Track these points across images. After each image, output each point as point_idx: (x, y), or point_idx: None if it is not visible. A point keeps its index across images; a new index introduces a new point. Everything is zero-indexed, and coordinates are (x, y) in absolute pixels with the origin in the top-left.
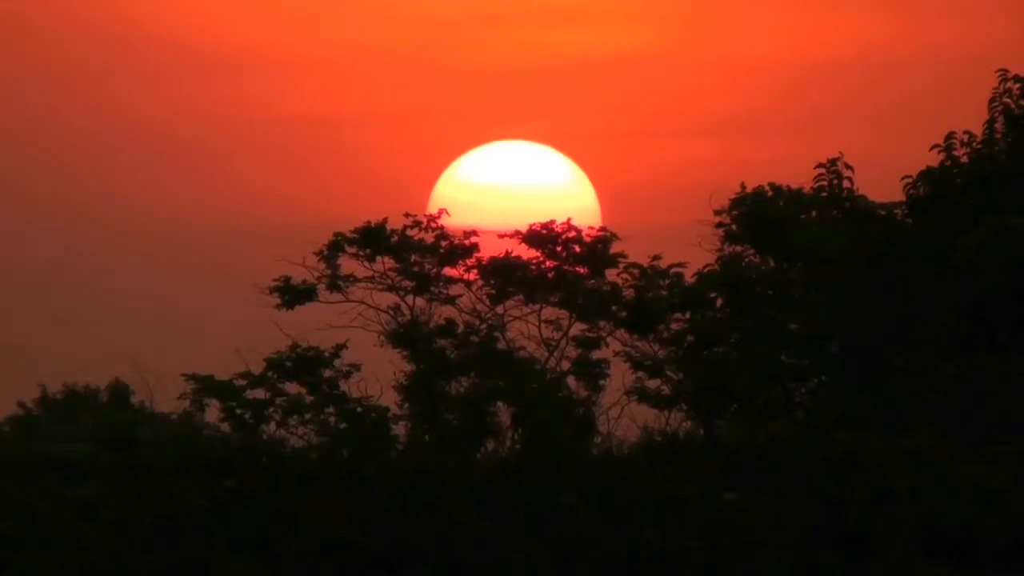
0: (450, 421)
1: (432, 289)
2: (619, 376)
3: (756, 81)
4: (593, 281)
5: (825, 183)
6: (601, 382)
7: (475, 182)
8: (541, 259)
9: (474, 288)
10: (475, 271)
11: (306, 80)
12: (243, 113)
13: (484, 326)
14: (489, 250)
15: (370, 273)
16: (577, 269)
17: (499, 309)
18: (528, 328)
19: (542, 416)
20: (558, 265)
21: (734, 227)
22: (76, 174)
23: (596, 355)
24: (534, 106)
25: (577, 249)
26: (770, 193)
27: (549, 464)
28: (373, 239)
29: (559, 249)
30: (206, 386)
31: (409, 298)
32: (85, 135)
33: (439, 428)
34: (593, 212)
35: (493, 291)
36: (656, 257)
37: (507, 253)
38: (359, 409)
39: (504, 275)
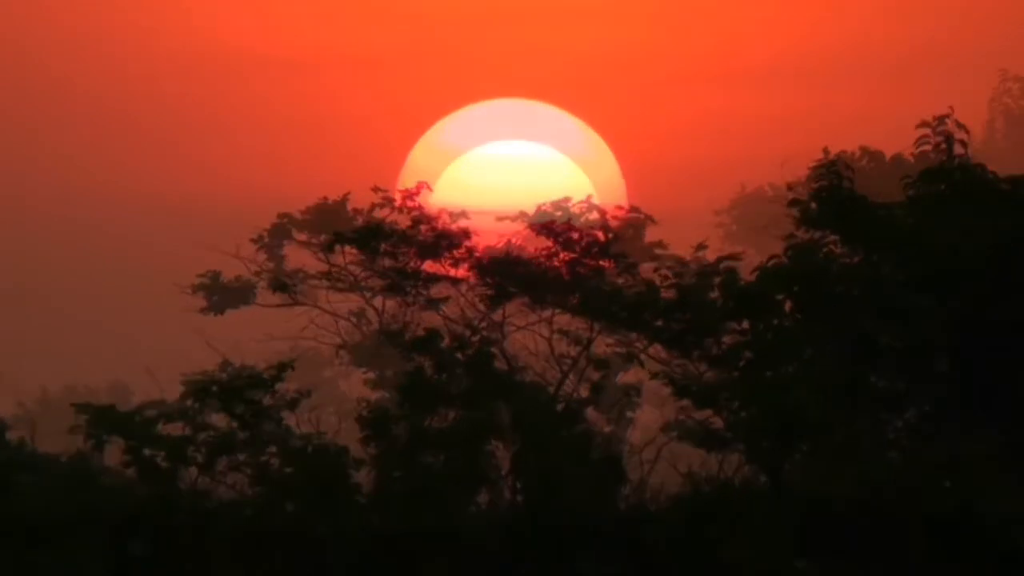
0: (430, 465)
1: (409, 289)
2: (655, 405)
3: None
4: (621, 279)
5: (929, 147)
6: (631, 414)
7: (461, 150)
8: (552, 250)
9: (464, 288)
10: (465, 266)
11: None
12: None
13: (477, 338)
14: (484, 238)
15: (326, 267)
16: (600, 263)
17: (497, 316)
18: (535, 341)
19: (553, 458)
20: (574, 258)
21: (812, 206)
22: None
23: (624, 378)
24: (536, 52)
25: (600, 236)
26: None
27: (561, 522)
28: (330, 221)
29: (576, 236)
30: (104, 419)
31: (378, 301)
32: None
33: (416, 474)
34: (617, 189)
35: (489, 292)
36: (702, 246)
37: (508, 242)
38: (309, 449)
39: (504, 271)
